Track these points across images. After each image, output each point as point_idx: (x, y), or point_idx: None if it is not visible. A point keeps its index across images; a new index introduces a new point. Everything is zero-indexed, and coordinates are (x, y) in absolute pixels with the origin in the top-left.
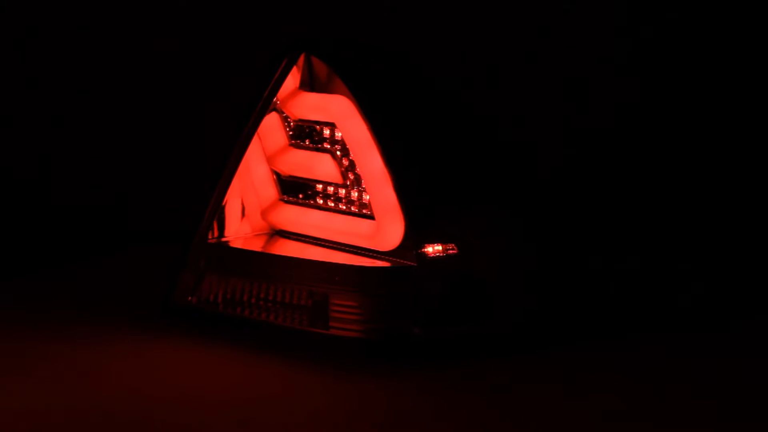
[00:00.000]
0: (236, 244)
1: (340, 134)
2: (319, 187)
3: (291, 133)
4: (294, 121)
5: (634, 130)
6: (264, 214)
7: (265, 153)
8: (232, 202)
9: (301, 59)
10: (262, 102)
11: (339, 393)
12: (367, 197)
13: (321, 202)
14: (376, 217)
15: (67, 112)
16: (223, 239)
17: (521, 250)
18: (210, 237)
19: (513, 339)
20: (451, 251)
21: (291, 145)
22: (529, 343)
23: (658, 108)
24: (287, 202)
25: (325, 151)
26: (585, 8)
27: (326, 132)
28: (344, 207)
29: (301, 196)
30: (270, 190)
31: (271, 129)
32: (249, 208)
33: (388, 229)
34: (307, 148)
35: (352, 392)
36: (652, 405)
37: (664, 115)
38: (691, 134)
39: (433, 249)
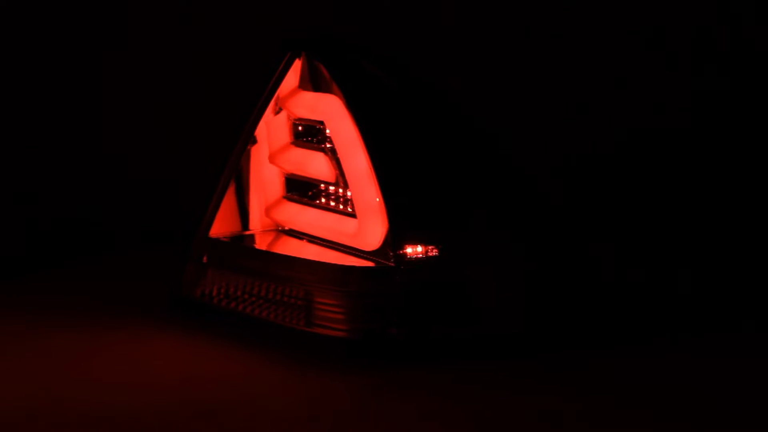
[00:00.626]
0: (233, 239)
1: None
2: (323, 186)
3: (297, 132)
4: (295, 120)
5: (631, 133)
6: (268, 211)
7: (270, 151)
8: (240, 198)
9: (303, 59)
10: (262, 100)
11: (299, 391)
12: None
13: (323, 201)
14: (358, 216)
15: (66, 112)
16: (225, 235)
17: (506, 254)
18: (213, 232)
19: (495, 342)
20: (431, 253)
21: (292, 143)
22: (511, 347)
23: (654, 110)
24: (289, 200)
25: (323, 150)
26: (587, 9)
27: (328, 131)
28: (341, 206)
29: (309, 194)
30: (276, 188)
31: (277, 128)
32: (258, 205)
33: (369, 228)
34: (305, 146)
35: (310, 390)
36: (644, 406)
37: (660, 118)
38: (690, 135)
39: (412, 250)
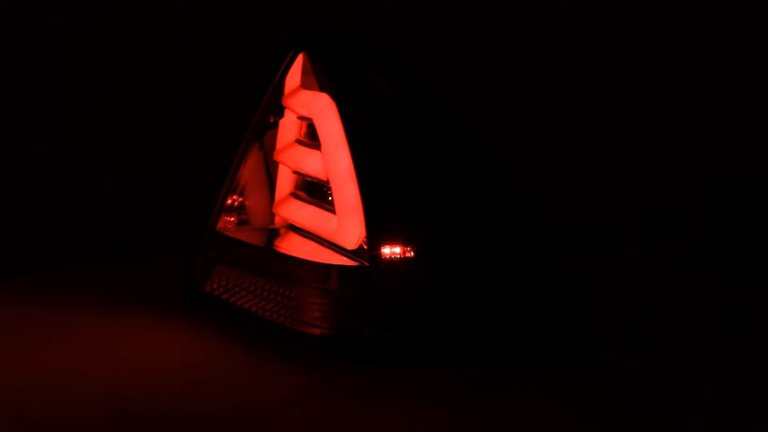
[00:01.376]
0: (235, 233)
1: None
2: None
3: (307, 130)
4: (298, 117)
5: (619, 136)
6: (275, 207)
7: (277, 147)
8: (253, 194)
9: (304, 57)
10: (265, 97)
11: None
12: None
13: (330, 198)
14: (337, 214)
15: (71, 113)
16: (234, 229)
17: (486, 260)
18: (221, 226)
19: (465, 348)
20: (408, 255)
21: (297, 141)
22: (478, 354)
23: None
24: (295, 196)
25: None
26: (586, 15)
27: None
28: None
29: (318, 192)
30: (287, 185)
31: (287, 125)
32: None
33: (347, 227)
34: (306, 144)
35: (266, 384)
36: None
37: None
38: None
39: (390, 251)
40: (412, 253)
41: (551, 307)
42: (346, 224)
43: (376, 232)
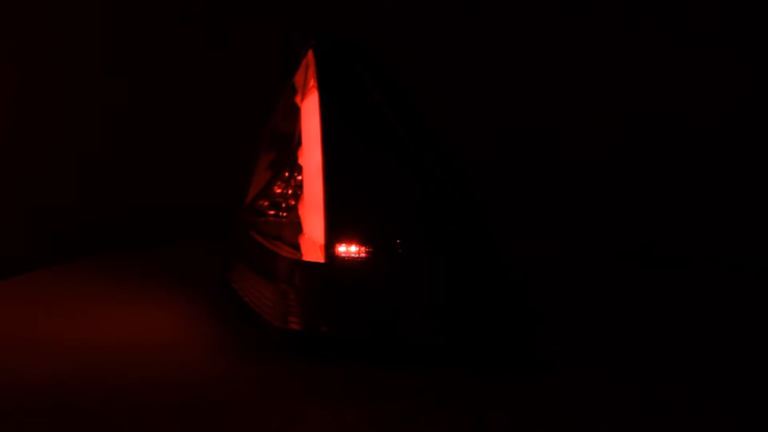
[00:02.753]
0: (256, 229)
1: None
2: None
3: None
4: None
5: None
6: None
7: (294, 143)
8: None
9: (311, 57)
10: (282, 96)
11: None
12: None
13: None
14: (306, 210)
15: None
16: (257, 223)
17: (446, 264)
18: (245, 219)
19: (421, 351)
20: (365, 255)
21: None
22: (425, 357)
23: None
24: None
25: None
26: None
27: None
28: None
29: None
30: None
31: None
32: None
33: (313, 223)
34: None
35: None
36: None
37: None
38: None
39: (346, 249)
40: (368, 254)
41: (506, 314)
42: (312, 221)
43: (334, 231)
